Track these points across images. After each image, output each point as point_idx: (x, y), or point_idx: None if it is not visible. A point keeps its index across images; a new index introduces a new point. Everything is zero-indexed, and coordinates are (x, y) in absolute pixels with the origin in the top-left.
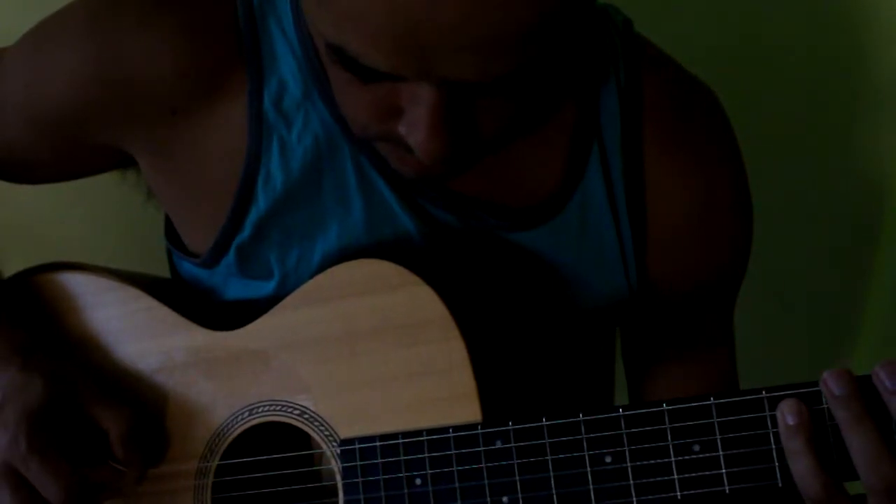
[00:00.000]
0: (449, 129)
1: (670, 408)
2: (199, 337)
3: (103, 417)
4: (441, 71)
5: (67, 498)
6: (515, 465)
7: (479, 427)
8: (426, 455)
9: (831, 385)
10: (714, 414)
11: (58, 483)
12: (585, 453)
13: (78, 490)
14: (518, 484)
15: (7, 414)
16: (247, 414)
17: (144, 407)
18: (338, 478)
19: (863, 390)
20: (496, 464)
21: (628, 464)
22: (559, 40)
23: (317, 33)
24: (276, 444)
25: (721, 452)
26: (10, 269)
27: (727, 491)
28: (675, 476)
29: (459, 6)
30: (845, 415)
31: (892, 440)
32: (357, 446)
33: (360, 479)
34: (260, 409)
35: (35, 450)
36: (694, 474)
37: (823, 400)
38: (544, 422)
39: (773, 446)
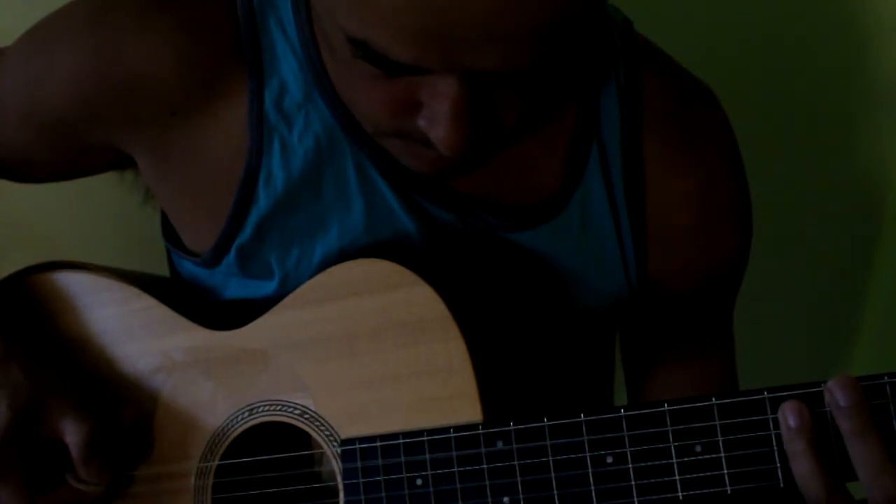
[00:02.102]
0: (470, 121)
1: (672, 408)
2: (199, 336)
3: (65, 432)
4: (466, 63)
5: None
6: (517, 466)
7: (480, 427)
8: (427, 455)
9: (837, 394)
10: (716, 415)
11: None
12: (587, 454)
13: None
14: (519, 485)
15: None
16: (247, 414)
17: (142, 408)
18: (338, 478)
19: (868, 398)
20: (497, 464)
21: (630, 465)
22: (579, 32)
23: (336, 28)
24: (276, 445)
25: (723, 453)
26: (8, 269)
27: (729, 491)
28: (677, 477)
29: (487, 0)
30: (849, 426)
31: (891, 447)
32: (358, 446)
33: (360, 480)
34: (260, 409)
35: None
36: (696, 475)
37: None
38: (546, 422)
39: (775, 447)
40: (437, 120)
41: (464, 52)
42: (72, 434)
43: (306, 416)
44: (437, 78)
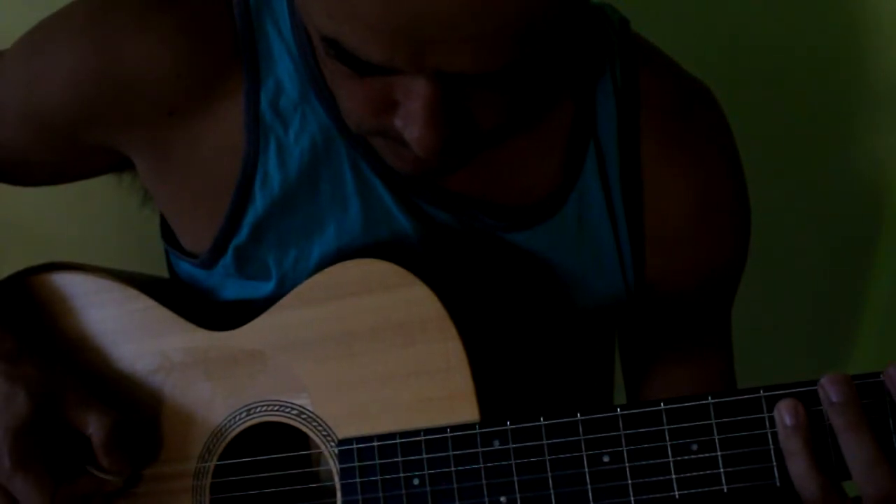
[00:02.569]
0: (444, 121)
1: (668, 407)
2: (197, 337)
3: (86, 424)
4: (437, 64)
5: None
6: (513, 466)
7: (477, 427)
8: (424, 455)
9: (829, 390)
10: (712, 413)
11: (42, 499)
12: (583, 453)
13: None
14: (516, 484)
15: None
16: (245, 414)
17: (141, 408)
18: (336, 478)
19: (861, 395)
20: (494, 464)
21: (626, 464)
22: (556, 35)
23: (311, 26)
24: (274, 445)
25: (719, 452)
26: (8, 269)
27: (725, 490)
28: (673, 476)
29: (457, 1)
30: (842, 421)
31: (890, 448)
32: (355, 446)
33: (357, 480)
34: (258, 410)
35: (19, 466)
36: (692, 474)
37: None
38: (542, 422)
39: (771, 446)
40: (411, 120)
41: (434, 53)
42: (95, 425)
43: (304, 416)
44: (410, 78)
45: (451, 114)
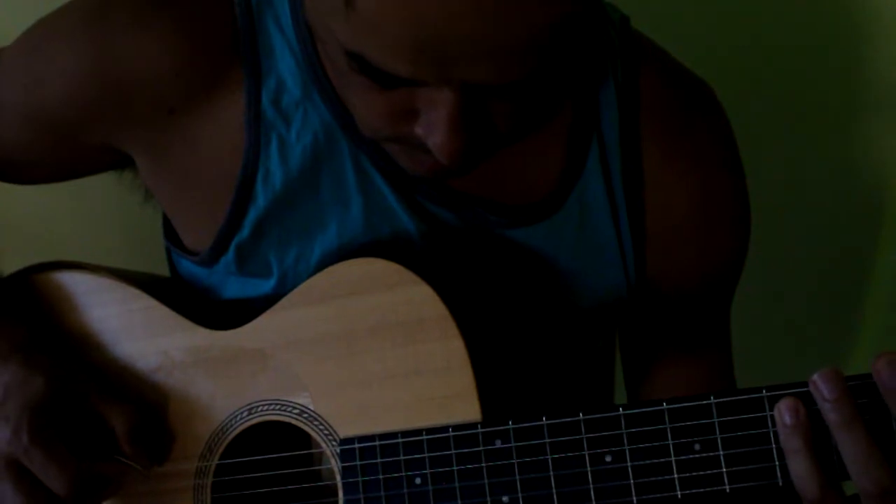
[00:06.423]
0: (466, 129)
1: (670, 407)
2: (198, 336)
3: (109, 414)
4: (461, 75)
5: (73, 488)
6: (515, 465)
7: (479, 426)
8: (426, 454)
9: (821, 387)
10: (714, 413)
11: (63, 474)
12: (585, 452)
13: (84, 481)
14: (518, 483)
15: (9, 408)
16: (246, 413)
17: (143, 406)
18: (337, 477)
19: (853, 391)
20: (496, 463)
21: (628, 463)
22: (574, 40)
23: (334, 41)
24: (275, 444)
25: (721, 452)
26: (9, 269)
27: (728, 490)
28: (676, 475)
29: (480, 16)
30: (836, 417)
31: (885, 443)
32: (356, 445)
33: (359, 479)
34: (259, 409)
35: (38, 442)
36: (694, 473)
37: None
38: (544, 421)
39: (774, 445)
40: (433, 128)
41: (459, 65)
42: (117, 417)
43: (305, 415)
44: (433, 88)
45: (471, 120)
